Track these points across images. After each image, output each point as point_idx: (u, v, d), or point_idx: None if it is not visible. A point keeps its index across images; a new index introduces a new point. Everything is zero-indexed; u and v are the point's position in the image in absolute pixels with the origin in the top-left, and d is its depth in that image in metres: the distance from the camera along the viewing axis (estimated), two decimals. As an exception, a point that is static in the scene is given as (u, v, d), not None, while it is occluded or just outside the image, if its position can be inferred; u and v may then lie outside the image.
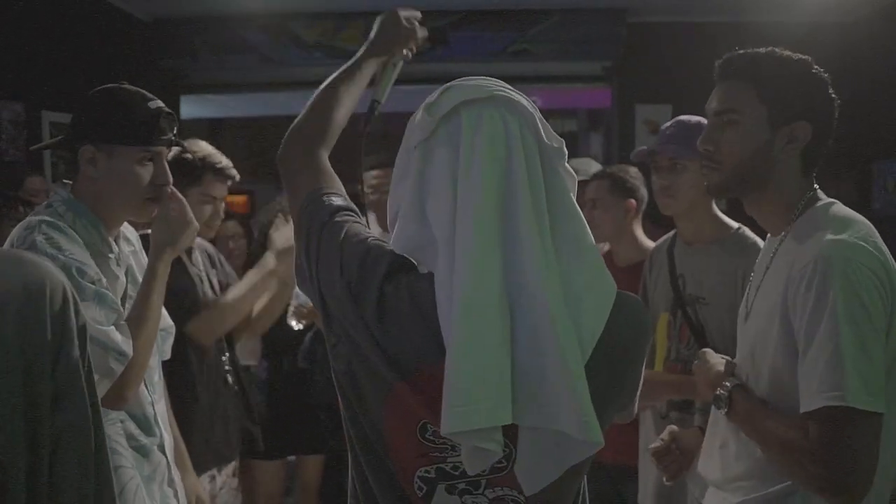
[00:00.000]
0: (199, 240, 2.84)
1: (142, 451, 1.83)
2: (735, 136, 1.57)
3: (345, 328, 1.17)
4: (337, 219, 1.24)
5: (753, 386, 1.57)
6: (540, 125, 1.16)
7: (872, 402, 1.36)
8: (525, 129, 1.14)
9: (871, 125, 4.52)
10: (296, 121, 1.45)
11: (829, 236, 1.45)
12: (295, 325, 3.05)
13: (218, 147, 2.81)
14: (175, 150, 1.96)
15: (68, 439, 1.09)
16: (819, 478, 1.39)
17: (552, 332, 1.05)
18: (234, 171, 2.69)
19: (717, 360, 1.68)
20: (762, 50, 1.59)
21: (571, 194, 1.17)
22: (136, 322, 1.77)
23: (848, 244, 1.43)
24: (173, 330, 2.12)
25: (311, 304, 2.92)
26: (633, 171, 2.82)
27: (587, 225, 1.16)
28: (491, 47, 4.89)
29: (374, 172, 3.09)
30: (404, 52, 1.68)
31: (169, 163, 1.87)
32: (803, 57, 1.58)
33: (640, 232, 2.80)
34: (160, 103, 1.85)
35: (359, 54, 1.58)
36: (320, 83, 1.51)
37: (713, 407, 1.68)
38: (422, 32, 1.67)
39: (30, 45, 3.80)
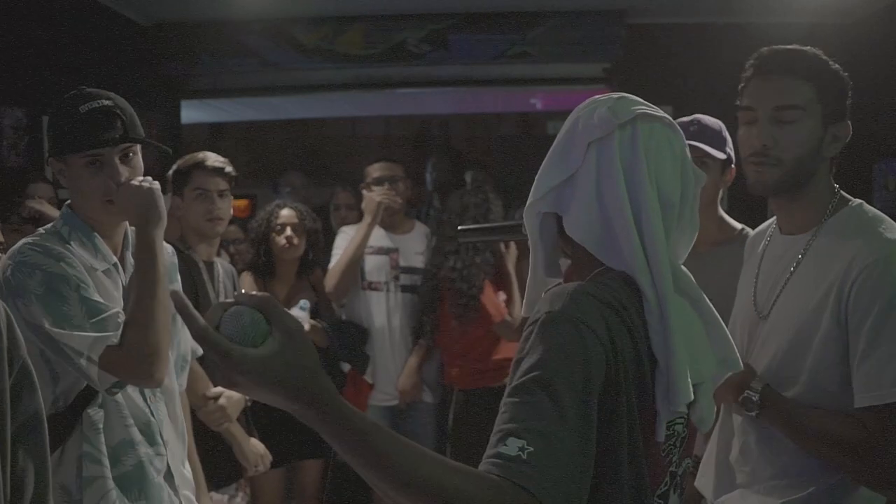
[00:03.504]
0: (222, 261, 2.96)
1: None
2: (798, 133, 1.55)
3: (628, 381, 1.14)
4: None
5: (782, 385, 1.55)
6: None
7: None
8: (684, 150, 1.27)
9: (871, 125, 4.50)
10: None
11: (889, 236, 1.49)
12: None
13: (219, 152, 2.85)
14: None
15: (29, 428, 1.20)
16: (875, 473, 1.41)
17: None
18: (222, 165, 2.73)
19: None
20: (806, 48, 1.58)
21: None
22: (139, 300, 1.72)
23: None
24: (192, 357, 2.14)
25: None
26: None
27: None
28: (491, 50, 4.88)
29: (379, 165, 3.63)
30: None
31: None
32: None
33: None
34: (99, 104, 1.76)
35: None
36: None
37: (723, 412, 1.67)
38: None
39: (30, 50, 3.80)
